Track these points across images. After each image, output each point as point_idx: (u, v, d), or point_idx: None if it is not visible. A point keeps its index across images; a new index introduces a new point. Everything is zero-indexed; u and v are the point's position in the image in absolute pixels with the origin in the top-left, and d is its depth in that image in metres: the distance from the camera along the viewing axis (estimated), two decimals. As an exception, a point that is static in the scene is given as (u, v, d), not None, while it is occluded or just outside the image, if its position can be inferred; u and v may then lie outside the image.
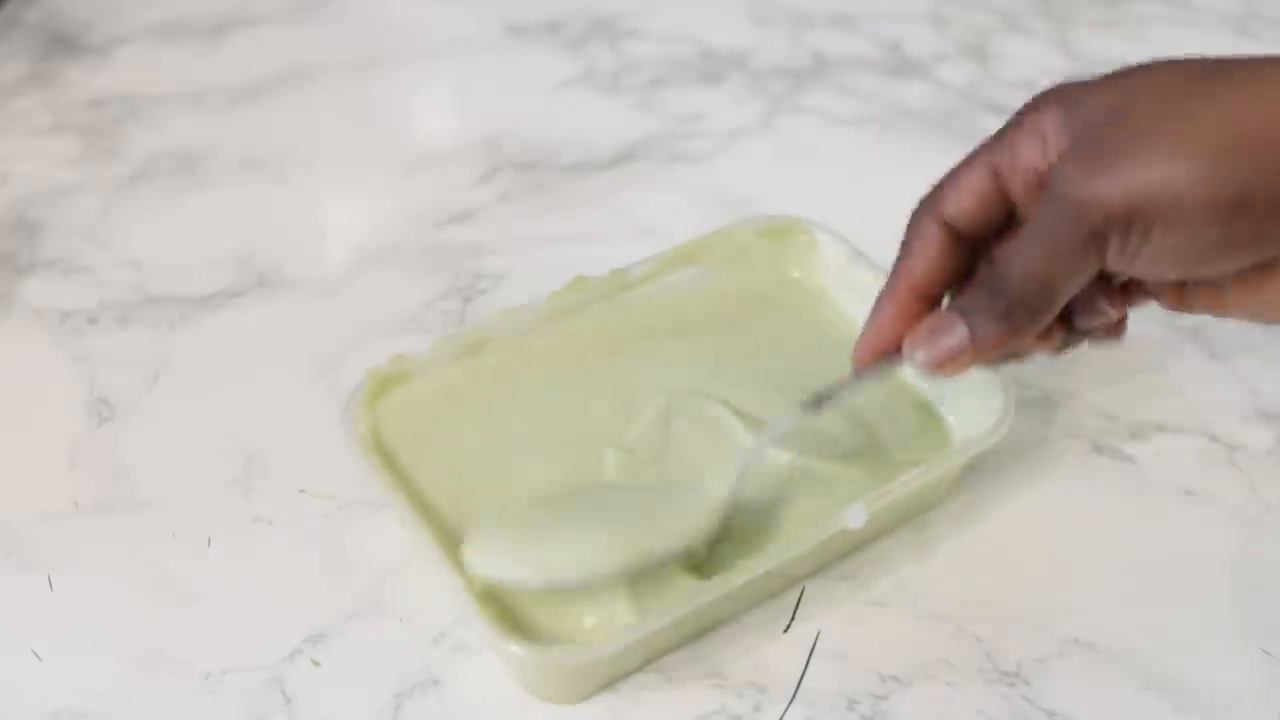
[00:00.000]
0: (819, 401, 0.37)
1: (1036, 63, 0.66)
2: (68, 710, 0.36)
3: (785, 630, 0.39)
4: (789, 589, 0.39)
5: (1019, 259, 0.31)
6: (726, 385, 0.43)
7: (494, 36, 0.69)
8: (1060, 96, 0.32)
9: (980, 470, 0.43)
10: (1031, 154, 0.32)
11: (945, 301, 0.35)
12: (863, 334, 0.36)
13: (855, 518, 0.37)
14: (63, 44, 0.68)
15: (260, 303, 0.51)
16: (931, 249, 0.34)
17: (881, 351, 0.35)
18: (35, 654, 0.38)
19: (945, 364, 0.33)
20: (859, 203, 0.49)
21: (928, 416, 0.43)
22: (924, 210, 0.35)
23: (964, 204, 0.34)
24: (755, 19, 0.70)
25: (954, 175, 0.34)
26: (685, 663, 0.38)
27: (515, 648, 0.34)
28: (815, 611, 0.39)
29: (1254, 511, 0.42)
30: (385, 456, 0.40)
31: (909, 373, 0.39)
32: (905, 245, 0.35)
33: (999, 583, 0.40)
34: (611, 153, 0.60)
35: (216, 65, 0.66)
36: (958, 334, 0.32)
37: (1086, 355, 0.48)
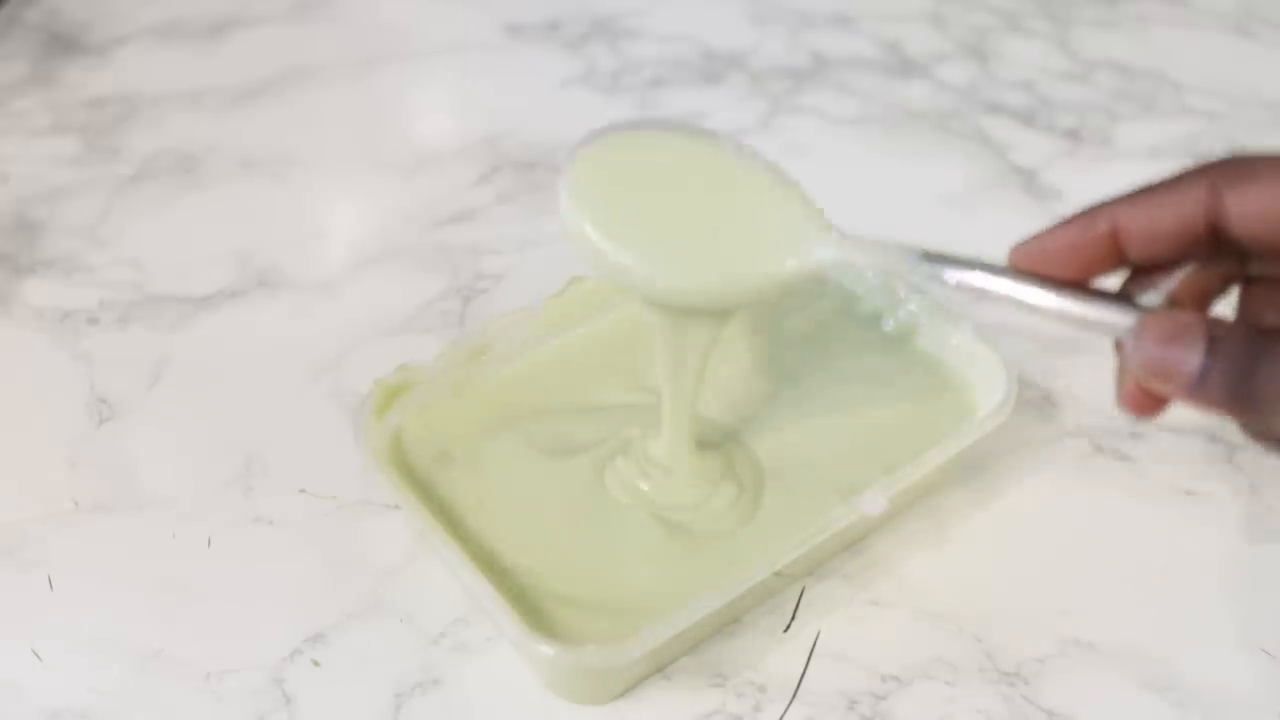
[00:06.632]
0: (937, 259, 0.31)
1: (1036, 63, 0.66)
2: (68, 710, 0.36)
3: (785, 630, 0.39)
4: (789, 587, 0.39)
5: None
6: (733, 373, 0.44)
7: (493, 36, 0.69)
8: None
9: (980, 469, 0.43)
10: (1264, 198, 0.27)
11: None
12: (1034, 237, 0.30)
13: (872, 504, 0.37)
14: (63, 44, 0.68)
15: (260, 303, 0.51)
16: (1189, 214, 0.28)
17: (1039, 264, 0.30)
18: (35, 654, 0.38)
19: (1154, 377, 0.28)
20: (859, 203, 0.49)
21: (943, 383, 0.44)
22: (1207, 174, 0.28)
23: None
24: (755, 19, 0.70)
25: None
26: (685, 663, 0.38)
27: (546, 648, 0.33)
28: (815, 611, 0.39)
29: (1254, 511, 0.42)
30: (402, 468, 0.40)
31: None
32: (1158, 187, 0.29)
33: (999, 583, 0.40)
34: (611, 153, 0.60)
35: (216, 65, 0.66)
36: (1188, 364, 0.27)
37: (1087, 355, 0.48)
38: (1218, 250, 0.29)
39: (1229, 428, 0.45)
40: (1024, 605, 0.39)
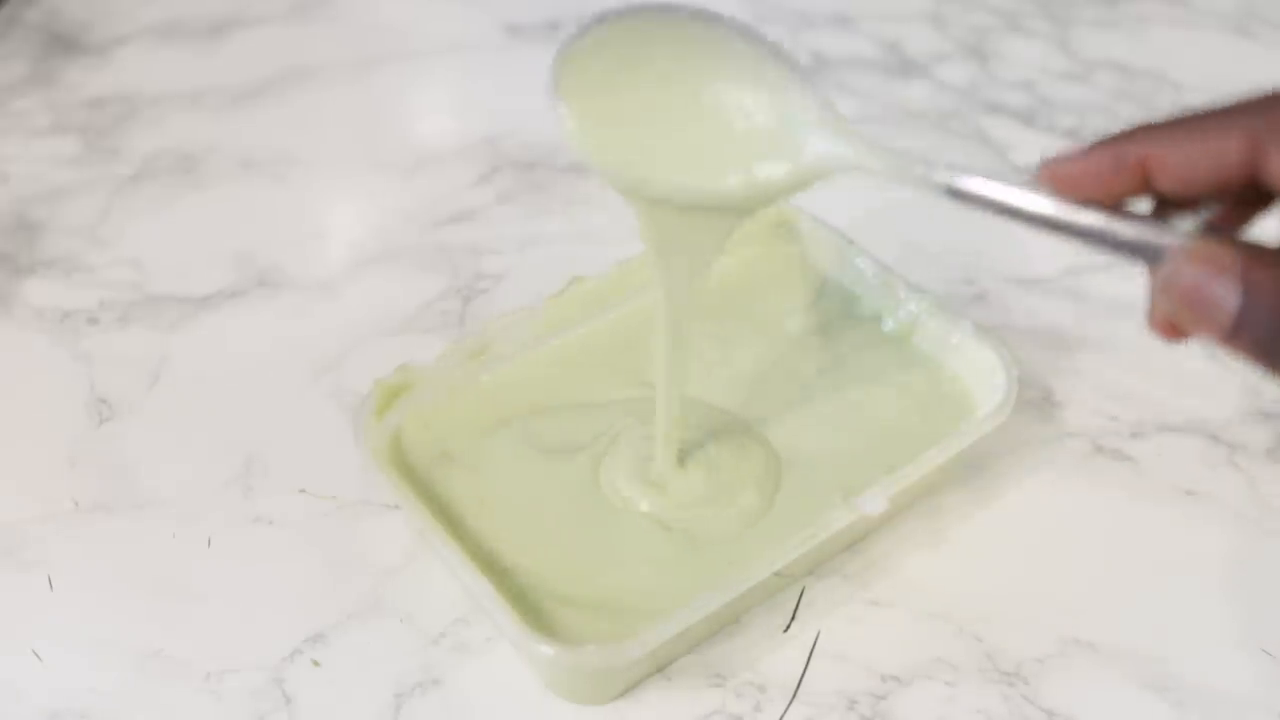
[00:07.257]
0: (960, 168, 0.29)
1: (1036, 63, 0.66)
2: (68, 710, 0.36)
3: (785, 630, 0.39)
4: (789, 587, 0.39)
5: None
6: (733, 373, 0.45)
7: (493, 36, 0.69)
8: None
9: (980, 469, 0.43)
10: None
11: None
12: (1061, 160, 0.28)
13: (872, 504, 0.37)
14: (63, 44, 0.68)
15: (260, 303, 0.51)
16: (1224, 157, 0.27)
17: (1064, 187, 0.28)
18: (35, 654, 0.38)
19: (1186, 316, 0.26)
20: (860, 203, 0.49)
21: (939, 381, 0.44)
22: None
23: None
24: (755, 19, 0.70)
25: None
26: (685, 662, 0.38)
27: (546, 648, 0.33)
28: (815, 611, 0.39)
29: (1254, 511, 0.42)
30: (402, 468, 0.40)
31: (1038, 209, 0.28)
32: (1195, 125, 0.27)
33: (999, 583, 0.40)
34: (611, 153, 0.60)
35: (216, 65, 0.66)
36: (1224, 306, 0.25)
37: (1087, 355, 0.48)
38: (1256, 194, 0.27)
39: (1229, 427, 0.45)
40: (1024, 605, 0.39)
